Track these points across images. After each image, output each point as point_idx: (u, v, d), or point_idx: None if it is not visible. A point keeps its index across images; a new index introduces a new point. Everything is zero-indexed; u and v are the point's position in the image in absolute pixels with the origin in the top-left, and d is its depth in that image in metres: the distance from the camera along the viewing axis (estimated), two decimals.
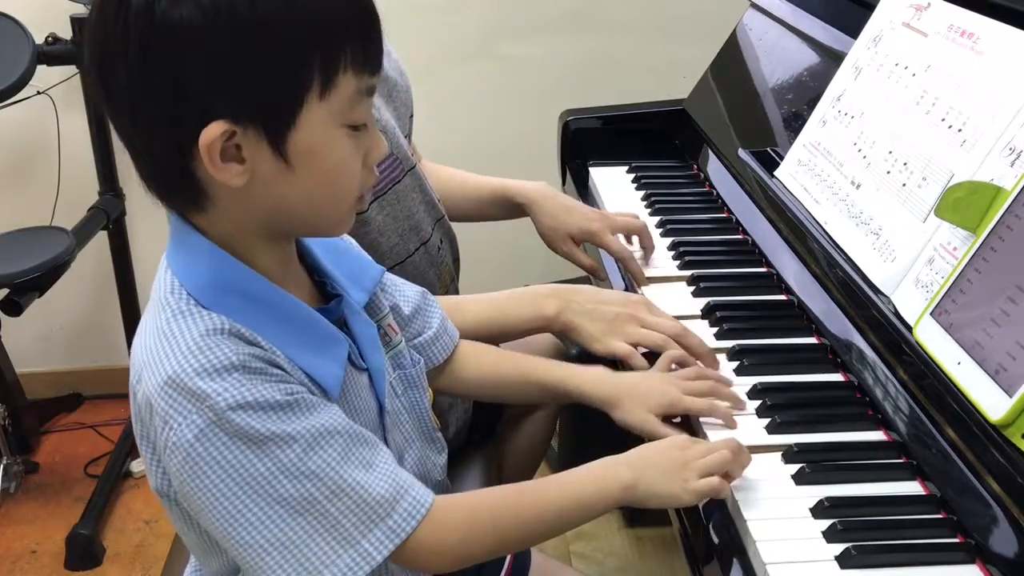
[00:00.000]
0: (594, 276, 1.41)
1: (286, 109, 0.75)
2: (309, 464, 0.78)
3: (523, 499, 0.89)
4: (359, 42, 0.77)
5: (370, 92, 0.79)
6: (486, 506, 0.88)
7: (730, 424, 1.00)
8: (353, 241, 1.00)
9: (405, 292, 1.06)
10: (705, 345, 1.11)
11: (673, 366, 1.08)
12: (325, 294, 0.91)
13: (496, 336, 1.20)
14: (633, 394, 1.03)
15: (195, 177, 0.77)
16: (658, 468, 0.90)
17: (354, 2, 0.77)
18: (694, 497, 0.89)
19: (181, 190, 0.79)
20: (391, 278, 1.04)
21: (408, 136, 1.40)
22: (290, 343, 0.81)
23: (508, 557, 1.14)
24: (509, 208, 1.50)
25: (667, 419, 1.03)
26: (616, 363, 1.15)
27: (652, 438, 1.00)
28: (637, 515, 2.00)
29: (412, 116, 1.43)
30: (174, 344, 0.78)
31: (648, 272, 1.33)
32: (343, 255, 0.94)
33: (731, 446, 0.91)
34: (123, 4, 0.73)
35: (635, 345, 1.13)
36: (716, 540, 0.89)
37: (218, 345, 0.77)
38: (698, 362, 1.09)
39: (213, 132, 0.74)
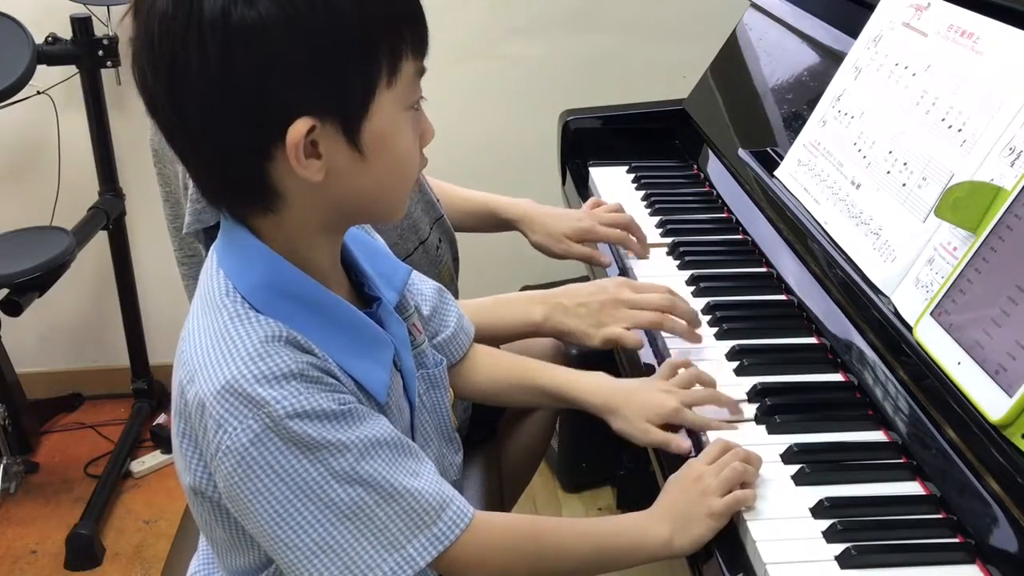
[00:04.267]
0: (594, 263, 1.42)
1: (361, 99, 0.77)
2: (360, 471, 0.79)
3: (565, 531, 0.91)
4: (414, 25, 0.80)
5: (422, 73, 0.82)
6: (530, 531, 0.90)
7: (728, 429, 1.00)
8: (383, 240, 1.00)
9: (424, 292, 1.06)
10: (693, 311, 1.14)
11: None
12: (362, 295, 0.92)
13: (485, 341, 1.20)
14: (631, 402, 1.03)
15: (269, 179, 0.78)
16: (686, 513, 0.90)
17: None
18: (722, 520, 0.89)
19: (254, 194, 0.79)
20: (412, 276, 1.05)
21: None
22: (340, 349, 0.82)
23: None
24: (495, 223, 1.52)
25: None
26: (617, 369, 1.15)
27: (648, 447, 1.01)
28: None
29: None
30: (233, 349, 0.78)
31: (648, 272, 1.34)
32: (376, 254, 0.95)
33: (739, 456, 0.91)
34: (193, 15, 0.72)
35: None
36: (716, 540, 0.89)
37: (277, 352, 0.78)
38: (696, 366, 1.08)
39: (300, 129, 0.75)
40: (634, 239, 1.38)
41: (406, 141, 0.82)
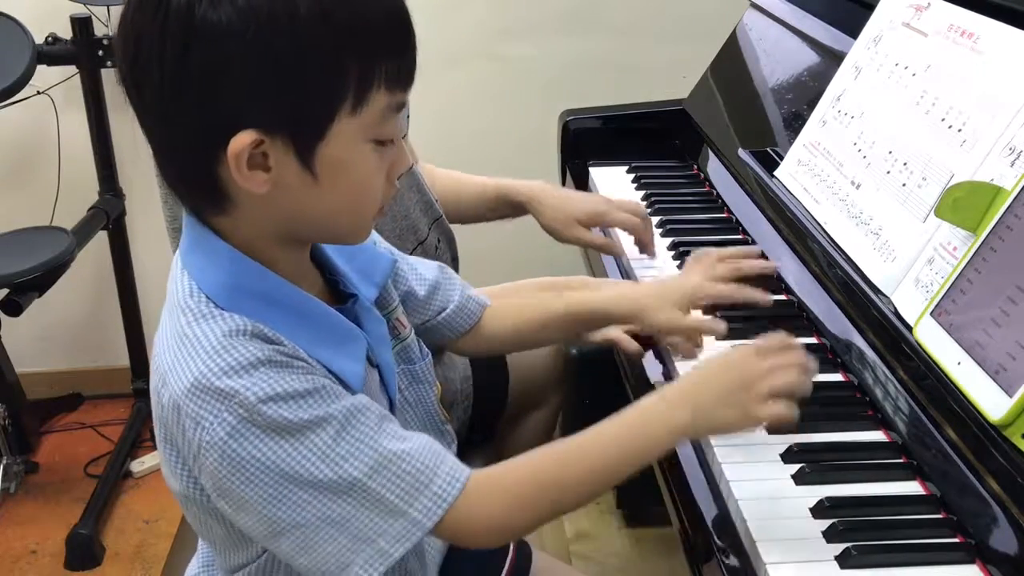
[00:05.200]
0: (608, 252, 1.41)
1: (317, 122, 0.75)
2: (344, 445, 0.78)
3: (567, 463, 0.86)
4: (394, 59, 0.77)
5: (400, 108, 0.79)
6: (529, 476, 0.85)
7: (764, 302, 0.99)
8: None
9: (421, 273, 1.05)
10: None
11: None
12: (337, 292, 0.91)
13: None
14: (653, 295, 1.03)
15: (219, 180, 0.77)
16: (715, 395, 0.85)
17: (392, 19, 0.77)
18: (755, 424, 0.85)
19: (204, 192, 0.79)
20: (406, 261, 1.04)
21: (404, 136, 1.40)
22: (311, 341, 0.82)
23: (509, 557, 1.14)
24: (508, 208, 1.50)
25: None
26: (612, 390, 1.13)
27: (681, 333, 0.99)
28: (637, 515, 1.99)
29: (408, 116, 1.43)
30: (197, 347, 0.78)
31: (649, 272, 1.34)
32: (354, 250, 0.94)
33: (799, 360, 0.86)
34: (161, 4, 0.72)
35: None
36: (716, 540, 0.89)
37: (242, 344, 0.77)
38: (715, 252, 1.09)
39: (243, 141, 0.74)
40: (647, 231, 1.37)
41: (365, 172, 0.79)
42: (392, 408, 0.93)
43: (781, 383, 0.85)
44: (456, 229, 1.48)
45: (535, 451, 0.87)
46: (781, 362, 0.86)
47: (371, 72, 0.76)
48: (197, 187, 0.79)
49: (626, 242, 1.40)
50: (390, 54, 0.77)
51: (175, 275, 0.83)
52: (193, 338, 0.78)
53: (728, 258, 1.05)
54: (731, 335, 1.15)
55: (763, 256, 1.05)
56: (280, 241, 0.82)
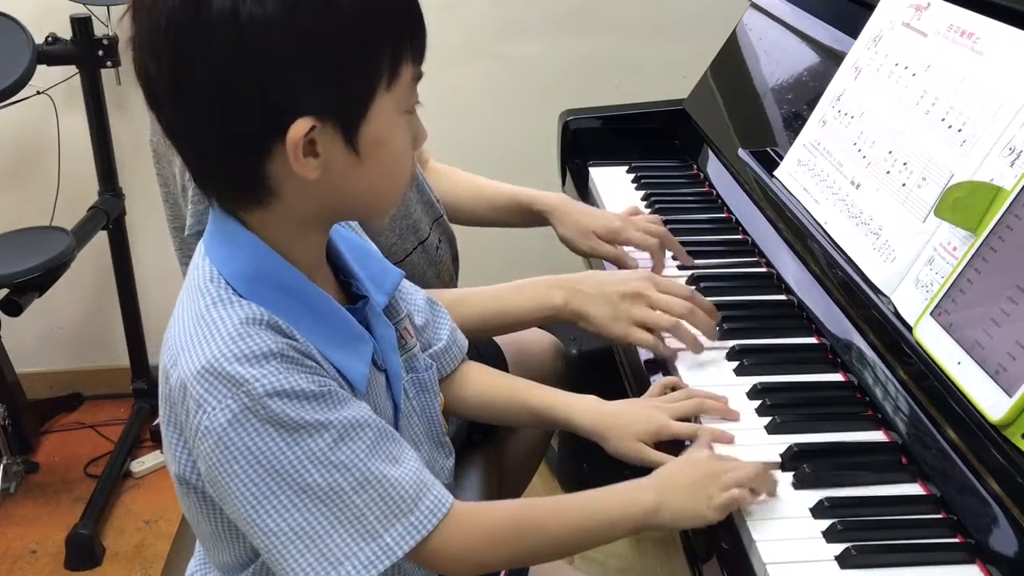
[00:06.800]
0: (621, 265, 1.39)
1: (361, 102, 0.78)
2: (338, 454, 0.79)
3: (548, 516, 0.91)
4: (416, 31, 0.81)
5: (419, 78, 0.83)
6: (511, 519, 0.90)
7: (724, 441, 0.99)
8: (374, 244, 1.00)
9: (417, 302, 1.06)
10: (711, 323, 1.14)
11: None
12: (349, 294, 0.92)
13: (503, 327, 1.21)
14: (620, 424, 1.03)
15: (265, 174, 0.79)
16: (683, 488, 0.90)
17: None
18: (718, 512, 0.88)
19: (246, 188, 0.80)
20: (404, 284, 1.05)
21: None
22: (321, 338, 0.83)
23: None
24: (526, 216, 1.50)
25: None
26: (612, 390, 1.13)
27: (644, 465, 1.00)
28: None
29: None
30: (213, 330, 0.79)
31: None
32: (366, 257, 0.96)
33: (756, 468, 0.91)
34: (202, 11, 0.73)
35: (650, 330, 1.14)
36: (716, 540, 0.89)
37: (257, 334, 0.79)
38: (688, 385, 1.08)
39: (300, 129, 0.76)
40: (661, 254, 1.35)
41: (401, 145, 0.83)
42: (397, 414, 0.93)
43: (741, 476, 0.90)
44: (456, 229, 1.48)
45: (520, 499, 0.94)
46: (742, 463, 0.92)
47: (401, 47, 0.79)
48: (239, 183, 0.80)
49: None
50: (413, 27, 0.80)
51: (196, 260, 0.85)
52: (211, 321, 0.79)
53: (695, 395, 1.05)
54: (731, 335, 1.16)
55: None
56: (311, 227, 0.84)
